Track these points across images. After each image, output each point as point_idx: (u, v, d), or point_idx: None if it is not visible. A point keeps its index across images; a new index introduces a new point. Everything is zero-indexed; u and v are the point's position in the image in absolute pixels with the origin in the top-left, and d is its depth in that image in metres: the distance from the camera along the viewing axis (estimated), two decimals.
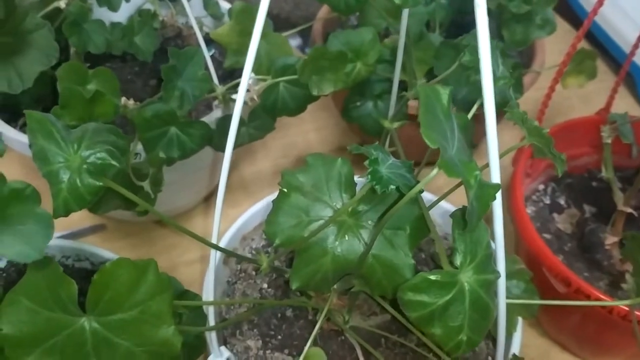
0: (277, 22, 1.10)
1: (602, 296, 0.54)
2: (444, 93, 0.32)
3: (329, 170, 0.43)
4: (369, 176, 0.34)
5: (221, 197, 0.42)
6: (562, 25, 1.14)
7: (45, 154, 0.33)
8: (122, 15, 0.72)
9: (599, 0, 0.60)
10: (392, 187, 0.34)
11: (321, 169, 0.43)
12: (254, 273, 0.59)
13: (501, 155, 0.37)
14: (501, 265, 0.38)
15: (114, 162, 0.34)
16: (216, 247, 0.42)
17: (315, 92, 0.57)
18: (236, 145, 0.65)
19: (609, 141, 0.61)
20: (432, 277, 0.35)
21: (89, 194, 0.34)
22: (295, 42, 1.13)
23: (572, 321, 0.63)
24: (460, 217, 0.35)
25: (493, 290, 0.37)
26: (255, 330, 0.55)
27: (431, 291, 0.35)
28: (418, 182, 0.36)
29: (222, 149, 0.64)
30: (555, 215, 0.69)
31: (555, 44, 0.83)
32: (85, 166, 0.33)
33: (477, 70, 0.44)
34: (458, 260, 0.35)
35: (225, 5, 0.81)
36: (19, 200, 0.33)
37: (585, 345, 0.66)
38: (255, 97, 0.60)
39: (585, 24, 0.63)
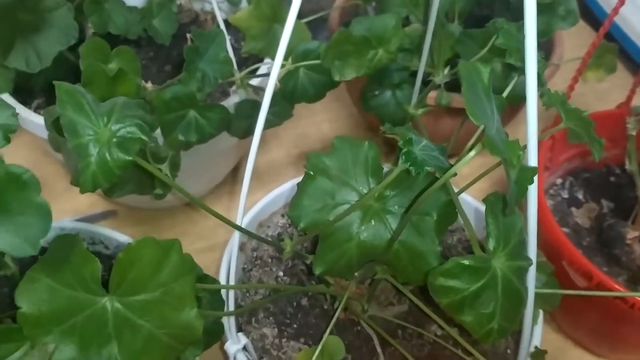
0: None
1: (624, 291, 0.53)
2: (485, 72, 0.31)
3: (356, 154, 0.42)
4: (403, 157, 0.34)
5: (247, 180, 0.41)
6: None
7: (75, 126, 0.32)
8: (138, 0, 0.72)
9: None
10: (427, 168, 0.33)
11: (348, 152, 0.42)
12: (269, 260, 0.59)
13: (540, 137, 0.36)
14: (532, 252, 0.37)
15: (143, 137, 0.33)
16: (240, 229, 0.42)
17: (337, 78, 0.57)
18: (253, 131, 0.65)
19: (634, 133, 0.60)
20: (465, 262, 0.34)
21: (118, 169, 0.33)
22: None
23: (590, 316, 0.62)
24: (494, 202, 0.35)
25: (525, 277, 0.37)
26: (271, 318, 0.54)
27: (463, 277, 0.34)
28: (451, 165, 0.35)
29: (239, 134, 0.64)
30: (573, 209, 0.68)
31: (571, 38, 0.83)
32: (115, 140, 0.33)
33: (511, 53, 0.44)
34: (491, 245, 0.35)
35: None
36: (16, 186, 0.30)
37: (603, 341, 0.65)
38: (277, 84, 0.59)
39: (611, 15, 0.62)
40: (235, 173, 0.84)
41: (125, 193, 0.60)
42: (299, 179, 0.45)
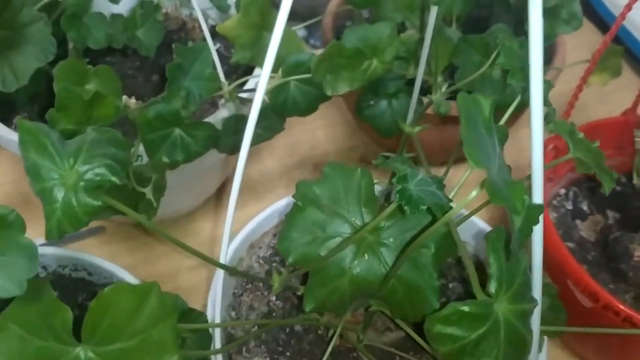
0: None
1: (633, 314, 0.51)
2: (486, 104, 0.29)
3: (348, 182, 0.40)
4: (397, 195, 0.31)
5: (231, 214, 0.38)
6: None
7: (38, 170, 0.29)
8: (123, 7, 0.69)
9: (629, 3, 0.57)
10: (423, 207, 0.31)
11: (339, 180, 0.40)
12: (261, 284, 0.56)
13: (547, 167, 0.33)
14: (537, 292, 0.34)
15: (113, 179, 0.30)
16: (223, 267, 0.39)
17: (329, 92, 0.54)
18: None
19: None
20: (465, 308, 0.31)
21: (85, 215, 0.30)
22: (300, 33, 1.10)
23: (597, 335, 0.59)
24: (496, 239, 0.32)
25: (529, 320, 0.34)
26: (262, 347, 0.51)
27: (463, 324, 0.31)
28: (449, 200, 0.32)
29: (228, 150, 0.61)
30: (578, 222, 0.65)
31: (573, 38, 0.79)
32: (82, 183, 0.30)
33: (513, 73, 0.41)
34: (493, 288, 0.32)
35: None
36: (1, 226, 0.29)
37: (609, 358, 0.62)
38: (266, 98, 0.56)
39: (617, 20, 0.59)
40: (226, 186, 0.82)
41: (109, 215, 0.57)
42: (290, 196, 0.42)
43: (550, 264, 0.57)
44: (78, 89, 0.42)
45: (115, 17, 0.65)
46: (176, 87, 0.50)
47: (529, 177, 0.30)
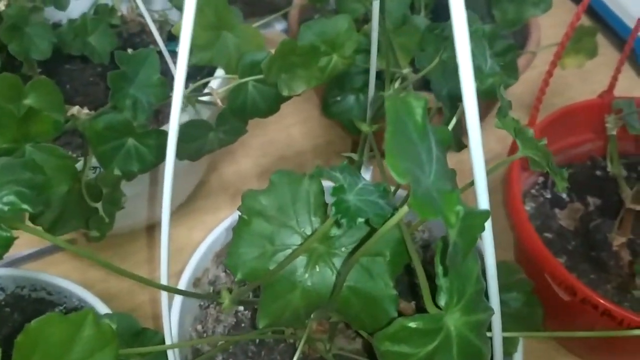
0: (260, 4, 1.03)
1: (611, 307, 0.49)
2: (418, 106, 0.26)
3: (296, 191, 0.37)
4: (334, 208, 0.29)
5: (165, 236, 0.36)
6: None
7: None
8: (81, 10, 0.67)
9: None
10: (361, 220, 0.28)
11: (287, 188, 0.37)
12: None
13: (490, 172, 0.31)
14: (494, 300, 0.32)
15: (25, 206, 0.28)
16: (168, 289, 0.37)
17: (285, 93, 0.52)
18: (205, 152, 0.60)
19: (614, 132, 0.55)
20: (413, 325, 0.29)
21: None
22: (280, 25, 1.07)
23: (579, 326, 0.58)
24: (445, 248, 0.30)
25: (485, 331, 0.32)
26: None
27: (412, 340, 0.29)
28: (394, 208, 0.30)
29: (188, 157, 0.59)
30: (557, 210, 0.63)
31: (550, 16, 0.77)
32: None
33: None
34: (443, 301, 0.30)
35: None
36: None
37: (594, 349, 0.61)
38: (218, 102, 0.54)
39: (581, 6, 0.57)
40: (203, 187, 0.80)
41: (70, 230, 0.55)
42: None
43: (527, 259, 0.56)
44: (9, 106, 0.40)
45: (71, 22, 0.63)
46: (121, 96, 0.48)
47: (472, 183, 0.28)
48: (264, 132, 0.86)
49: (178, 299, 0.50)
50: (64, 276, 0.55)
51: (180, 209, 0.77)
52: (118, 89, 0.48)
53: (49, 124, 0.42)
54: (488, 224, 0.29)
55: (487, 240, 0.30)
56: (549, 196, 0.65)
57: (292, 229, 0.37)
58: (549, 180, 0.66)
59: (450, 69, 0.46)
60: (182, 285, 0.53)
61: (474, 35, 0.40)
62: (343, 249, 0.36)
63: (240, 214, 0.37)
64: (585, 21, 1.01)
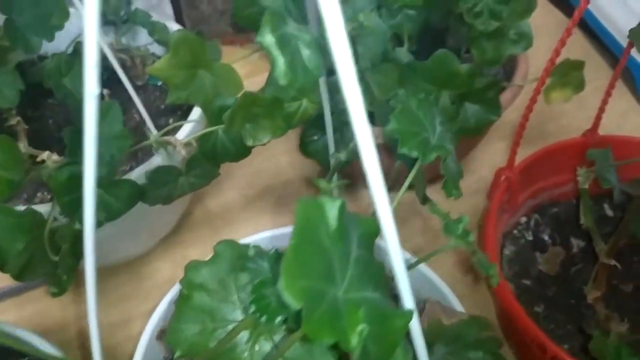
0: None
1: None
2: (333, 208, 0.25)
3: (238, 262, 0.37)
4: (252, 304, 0.28)
5: (93, 314, 0.35)
6: (555, 15, 1.05)
7: None
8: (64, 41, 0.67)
9: (579, 10, 0.52)
10: (280, 319, 0.28)
11: (229, 261, 0.37)
12: None
13: (418, 262, 0.30)
14: None
15: None
16: None
17: (250, 143, 0.51)
18: (176, 196, 0.59)
19: (586, 186, 0.53)
20: None
21: None
22: None
23: None
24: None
25: None
26: None
27: None
28: None
29: (158, 202, 0.58)
30: (537, 254, 0.61)
31: (548, 37, 0.74)
32: None
33: (404, 141, 0.37)
34: None
35: (175, 27, 0.74)
36: None
37: None
38: (182, 152, 0.54)
39: (564, 36, 0.54)
40: (187, 219, 0.79)
41: (39, 276, 0.55)
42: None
43: (502, 312, 0.54)
44: None
45: (54, 57, 0.63)
46: (78, 151, 0.47)
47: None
48: (251, 162, 0.84)
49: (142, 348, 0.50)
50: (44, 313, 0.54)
51: (164, 241, 0.76)
52: (74, 144, 0.48)
53: (3, 185, 0.42)
54: (415, 324, 0.28)
55: (418, 340, 0.29)
56: (530, 238, 0.63)
57: (234, 304, 0.36)
58: (532, 221, 0.64)
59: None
60: (149, 328, 0.52)
61: (423, 103, 0.39)
62: (283, 325, 0.35)
63: (180, 287, 0.36)
64: (584, 44, 0.99)
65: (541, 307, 0.57)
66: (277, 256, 0.30)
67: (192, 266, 0.37)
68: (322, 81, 0.46)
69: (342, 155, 0.49)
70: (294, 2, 0.45)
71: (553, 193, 0.65)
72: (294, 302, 0.22)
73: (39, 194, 0.63)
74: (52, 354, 0.50)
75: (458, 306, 0.51)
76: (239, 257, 0.36)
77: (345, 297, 0.25)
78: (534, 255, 0.61)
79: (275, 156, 0.86)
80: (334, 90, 0.58)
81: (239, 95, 0.52)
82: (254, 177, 0.84)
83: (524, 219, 0.64)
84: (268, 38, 0.30)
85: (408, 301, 0.27)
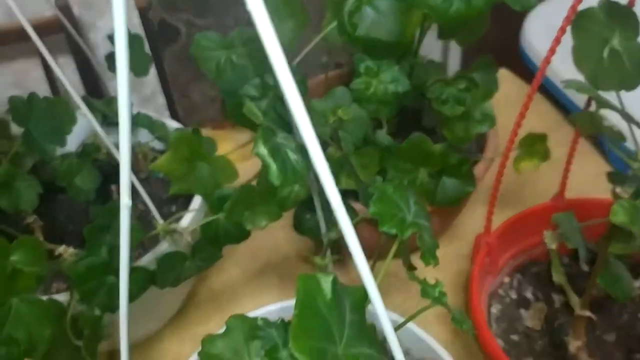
0: None
1: None
2: (326, 282, 0.31)
3: (249, 333, 0.41)
4: None
5: None
6: (523, 89, 1.13)
7: None
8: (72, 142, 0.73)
9: (536, 80, 0.58)
10: None
11: (241, 332, 0.42)
12: None
13: (404, 322, 0.35)
14: None
15: None
16: None
17: (249, 227, 0.57)
18: (184, 279, 0.64)
19: (554, 247, 0.59)
20: None
21: None
22: None
23: None
24: None
25: None
26: None
27: None
28: None
29: (168, 285, 0.63)
30: (522, 311, 0.66)
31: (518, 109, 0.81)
32: None
33: (383, 221, 0.43)
34: None
35: (173, 125, 0.81)
36: None
37: None
38: (189, 239, 0.59)
39: (523, 110, 0.60)
40: (193, 299, 0.84)
41: None
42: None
43: None
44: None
45: (63, 158, 0.69)
46: (96, 246, 0.53)
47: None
48: (251, 238, 0.90)
49: None
50: None
51: (171, 322, 0.80)
52: (93, 239, 0.53)
53: (32, 279, 0.47)
54: None
55: None
56: (514, 297, 0.68)
57: None
58: (514, 280, 0.69)
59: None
60: None
61: (397, 188, 0.45)
62: None
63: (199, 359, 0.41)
64: (552, 113, 1.07)
65: (530, 359, 0.61)
66: (283, 325, 0.35)
67: (208, 340, 0.42)
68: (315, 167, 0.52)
69: (332, 235, 0.54)
70: (280, 115, 0.53)
71: (531, 253, 0.70)
72: (304, 358, 0.27)
73: (54, 284, 0.67)
74: None
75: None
76: (250, 328, 0.41)
77: (345, 353, 0.30)
78: (519, 312, 0.66)
79: (274, 232, 0.91)
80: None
81: (237, 186, 0.58)
82: (254, 253, 0.89)
83: (507, 279, 0.69)
84: (261, 149, 0.36)
85: (398, 355, 0.32)
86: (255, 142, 0.36)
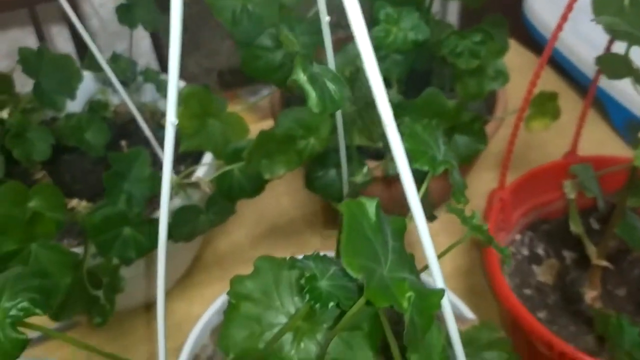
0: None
1: (586, 359, 0.52)
2: (371, 206, 0.30)
3: (278, 274, 0.41)
4: (307, 295, 0.32)
5: (162, 319, 0.40)
6: (525, 55, 1.14)
7: None
8: (76, 103, 0.72)
9: (552, 39, 0.58)
10: (332, 304, 0.32)
11: (269, 273, 0.41)
12: None
13: (442, 254, 0.35)
14: None
15: (37, 311, 0.32)
16: None
17: (267, 176, 0.56)
18: (198, 233, 0.64)
19: (573, 197, 0.59)
20: None
21: (14, 349, 0.32)
22: (267, 90, 1.12)
23: None
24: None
25: None
26: None
27: None
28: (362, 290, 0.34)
29: (182, 239, 0.63)
30: (534, 267, 0.67)
31: (520, 75, 0.82)
32: (7, 320, 0.32)
33: (416, 157, 0.43)
34: None
35: (180, 84, 0.80)
36: None
37: None
38: (207, 189, 0.58)
39: (538, 67, 0.61)
40: (199, 262, 0.83)
41: (73, 314, 0.58)
42: None
43: (510, 319, 0.59)
44: (17, 212, 0.44)
45: (68, 116, 0.68)
46: (115, 192, 0.52)
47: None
48: (255, 202, 0.89)
49: None
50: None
51: (178, 284, 0.80)
52: (112, 186, 0.52)
53: (52, 225, 0.46)
54: (445, 300, 0.32)
55: (447, 314, 0.33)
56: (526, 253, 0.68)
57: (277, 310, 0.40)
58: (526, 237, 0.70)
59: None
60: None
61: (427, 127, 0.44)
62: (325, 325, 0.40)
63: (229, 298, 0.41)
64: (555, 80, 1.07)
65: (543, 313, 0.62)
66: (320, 257, 0.35)
67: (237, 280, 0.41)
68: (338, 115, 0.51)
69: (359, 178, 0.54)
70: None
71: (542, 211, 0.71)
72: (354, 272, 0.26)
73: (65, 241, 0.66)
74: None
75: (469, 314, 0.56)
76: (278, 266, 0.41)
77: (390, 276, 0.29)
78: (531, 268, 0.66)
79: (278, 196, 0.91)
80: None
81: (253, 136, 0.57)
82: (259, 217, 0.88)
83: (518, 236, 0.70)
84: (301, 76, 0.35)
85: (439, 282, 0.32)
86: (294, 70, 0.35)
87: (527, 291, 0.64)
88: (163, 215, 0.35)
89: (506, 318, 0.62)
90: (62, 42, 1.48)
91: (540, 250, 0.68)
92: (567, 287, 0.64)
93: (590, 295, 0.57)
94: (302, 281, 0.33)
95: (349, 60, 0.71)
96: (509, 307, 0.57)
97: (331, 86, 0.36)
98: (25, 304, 0.32)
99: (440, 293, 0.31)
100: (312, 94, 0.35)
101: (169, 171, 0.33)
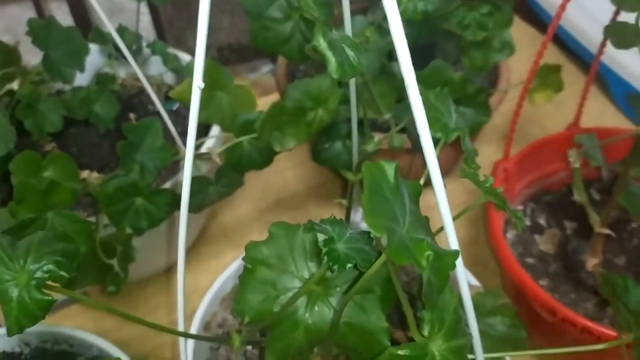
0: (247, 50, 1.09)
1: (588, 324, 0.53)
2: (390, 169, 0.31)
3: (292, 239, 0.42)
4: (325, 257, 0.34)
5: (181, 289, 0.41)
6: (527, 30, 1.14)
7: None
8: (83, 76, 0.72)
9: (557, 16, 0.59)
10: (350, 265, 0.33)
11: (284, 239, 0.42)
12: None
13: (457, 217, 0.36)
14: (474, 326, 0.37)
15: (62, 273, 0.33)
16: (185, 335, 0.41)
17: (277, 149, 0.57)
18: (207, 204, 0.65)
19: (577, 165, 0.60)
20: (401, 352, 0.34)
21: (39, 310, 0.33)
22: (267, 67, 1.13)
23: (563, 344, 0.62)
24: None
25: (466, 353, 0.37)
26: None
27: None
28: (379, 251, 0.35)
29: (191, 210, 0.63)
30: (536, 236, 0.68)
31: (522, 49, 0.82)
32: (33, 282, 0.33)
33: (431, 124, 0.44)
34: (426, 331, 0.34)
35: (185, 58, 0.80)
36: None
37: None
38: (217, 160, 0.59)
39: (545, 41, 0.62)
40: (204, 234, 0.84)
41: (86, 285, 0.60)
42: None
43: (512, 286, 0.60)
44: (34, 181, 0.45)
45: (75, 90, 0.68)
46: (129, 162, 0.53)
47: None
48: (260, 177, 0.90)
49: (191, 343, 0.54)
50: (81, 327, 0.59)
51: (186, 256, 0.81)
52: (126, 156, 0.53)
53: (68, 194, 0.47)
54: (459, 262, 0.33)
55: (460, 275, 0.34)
56: (528, 223, 0.69)
57: (292, 274, 0.42)
58: (528, 208, 0.71)
59: None
60: (193, 329, 0.57)
61: (439, 95, 0.45)
62: (338, 288, 0.41)
63: (244, 263, 0.42)
64: (556, 54, 1.08)
65: (546, 280, 0.63)
66: (337, 221, 0.36)
67: (252, 246, 0.42)
68: (352, 84, 0.52)
69: (370, 147, 0.54)
70: (306, 38, 0.52)
71: (545, 182, 0.72)
72: (377, 231, 0.27)
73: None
74: (112, 353, 0.55)
75: (473, 281, 0.57)
76: (293, 230, 0.42)
77: (408, 236, 0.30)
78: (533, 237, 0.68)
79: (282, 171, 0.92)
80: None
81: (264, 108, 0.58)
82: (264, 191, 0.89)
83: (520, 207, 0.71)
84: (321, 42, 0.36)
85: (454, 244, 0.33)
86: (314, 36, 0.36)
87: (529, 260, 0.66)
88: (186, 180, 0.36)
89: (509, 286, 0.63)
90: (60, 17, 1.46)
91: (541, 221, 0.70)
92: (568, 256, 0.65)
93: (591, 263, 0.58)
94: (321, 243, 0.34)
95: (357, 32, 0.71)
96: (512, 274, 0.58)
97: (350, 52, 0.37)
98: (50, 266, 0.33)
99: (456, 254, 0.33)
100: (332, 60, 0.35)
101: (194, 134, 0.34)
